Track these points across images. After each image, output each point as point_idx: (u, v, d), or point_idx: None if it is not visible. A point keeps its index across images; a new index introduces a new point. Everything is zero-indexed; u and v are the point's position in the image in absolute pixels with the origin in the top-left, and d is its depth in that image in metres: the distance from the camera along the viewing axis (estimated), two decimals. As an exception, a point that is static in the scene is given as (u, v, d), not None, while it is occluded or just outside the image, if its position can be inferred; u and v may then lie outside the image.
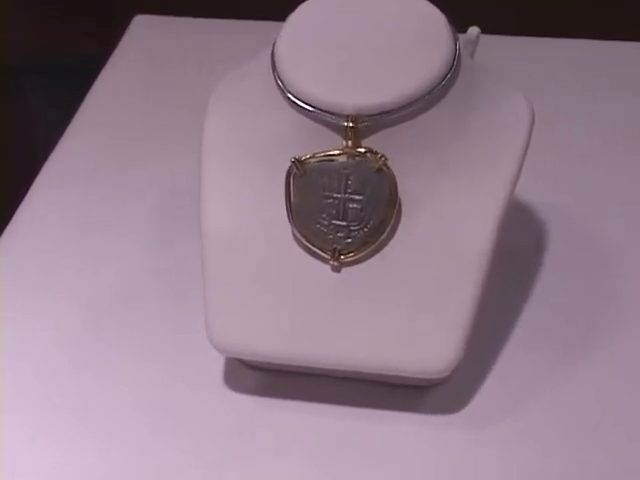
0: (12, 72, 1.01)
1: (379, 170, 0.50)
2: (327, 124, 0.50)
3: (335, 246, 0.50)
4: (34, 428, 0.54)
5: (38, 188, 0.69)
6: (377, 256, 0.51)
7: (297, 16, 0.53)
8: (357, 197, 0.50)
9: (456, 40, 0.52)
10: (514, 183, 0.52)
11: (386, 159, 0.50)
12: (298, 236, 0.51)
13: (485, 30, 0.57)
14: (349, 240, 0.50)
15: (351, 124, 0.49)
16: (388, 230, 0.50)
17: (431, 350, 0.50)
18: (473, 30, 0.57)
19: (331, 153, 0.50)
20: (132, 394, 0.55)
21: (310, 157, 0.50)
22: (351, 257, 0.51)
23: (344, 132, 0.50)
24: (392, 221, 0.50)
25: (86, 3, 1.08)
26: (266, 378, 0.55)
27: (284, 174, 0.51)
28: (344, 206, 0.50)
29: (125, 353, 0.57)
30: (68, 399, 0.55)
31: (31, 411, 0.55)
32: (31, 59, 1.04)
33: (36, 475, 0.52)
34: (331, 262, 0.51)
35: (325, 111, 0.50)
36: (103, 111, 0.76)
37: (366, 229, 0.50)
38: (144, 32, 0.83)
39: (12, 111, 0.99)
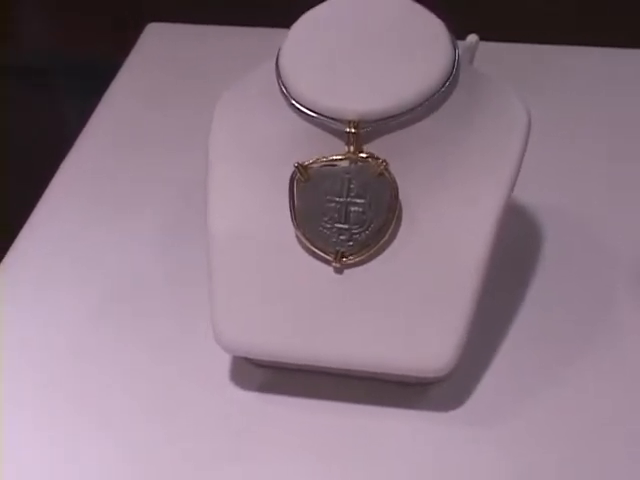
0: (28, 74, 1.01)
1: (380, 175, 0.51)
2: (330, 130, 0.51)
3: (338, 248, 0.51)
4: (37, 423, 0.55)
5: (55, 187, 0.71)
6: (378, 258, 0.52)
7: (300, 25, 0.54)
8: (359, 201, 0.51)
9: (455, 47, 0.53)
10: (511, 188, 0.53)
11: (387, 164, 0.51)
12: (302, 239, 0.52)
13: (483, 37, 0.58)
14: (351, 243, 0.51)
15: (353, 130, 0.50)
16: (389, 233, 0.51)
17: (429, 349, 0.51)
18: (472, 37, 0.58)
19: (334, 158, 0.51)
20: (139, 392, 0.56)
21: (313, 162, 0.51)
22: (353, 259, 0.52)
23: (346, 138, 0.51)
24: (393, 224, 0.51)
25: (102, 8, 1.09)
26: (271, 376, 0.56)
27: (288, 179, 0.52)
28: (346, 209, 0.51)
29: (132, 352, 0.58)
30: (73, 397, 0.56)
31: (36, 406, 0.56)
32: (46, 62, 1.04)
33: (38, 471, 0.53)
34: (334, 264, 0.52)
35: (328, 117, 0.51)
36: (116, 116, 0.77)
37: (367, 232, 0.51)
38: (157, 39, 0.84)
39: (27, 113, 0.99)
